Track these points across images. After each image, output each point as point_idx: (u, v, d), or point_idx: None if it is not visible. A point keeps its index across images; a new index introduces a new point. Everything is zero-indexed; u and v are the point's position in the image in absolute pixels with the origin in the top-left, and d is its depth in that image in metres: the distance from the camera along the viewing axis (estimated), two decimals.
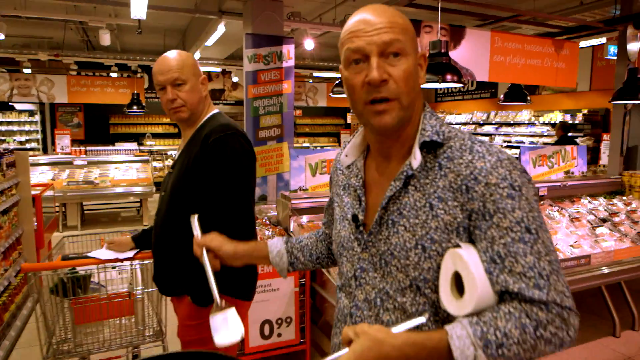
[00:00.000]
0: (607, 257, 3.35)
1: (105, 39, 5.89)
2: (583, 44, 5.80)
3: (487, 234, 0.84)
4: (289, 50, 5.46)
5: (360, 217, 1.01)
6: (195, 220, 1.19)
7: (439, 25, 3.58)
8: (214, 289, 1.10)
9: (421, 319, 0.86)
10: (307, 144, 13.19)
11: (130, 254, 1.92)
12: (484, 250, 0.84)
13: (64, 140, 8.99)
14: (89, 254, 1.91)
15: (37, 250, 4.23)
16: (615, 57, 6.54)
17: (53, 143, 10.19)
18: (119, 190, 7.19)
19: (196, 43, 8.37)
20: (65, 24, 7.59)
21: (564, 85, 4.65)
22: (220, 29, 6.21)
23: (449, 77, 3.05)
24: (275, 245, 1.24)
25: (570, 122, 10.17)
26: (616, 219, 4.05)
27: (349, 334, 0.79)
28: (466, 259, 0.83)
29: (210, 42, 7.38)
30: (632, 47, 5.07)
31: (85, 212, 7.85)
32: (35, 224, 4.24)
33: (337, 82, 4.83)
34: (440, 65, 3.22)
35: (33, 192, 4.29)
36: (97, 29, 6.31)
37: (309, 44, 6.31)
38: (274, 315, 2.65)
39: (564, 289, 0.83)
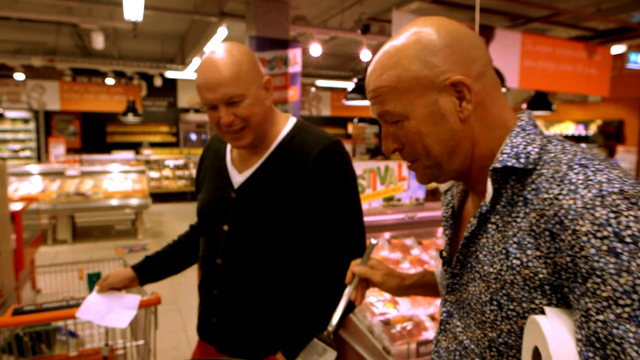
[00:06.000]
0: None
1: (98, 41, 5.53)
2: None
3: (580, 303, 0.60)
4: (295, 54, 5.11)
5: (445, 253, 0.88)
6: (372, 246, 1.02)
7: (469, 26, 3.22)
8: (336, 319, 0.97)
9: None
10: None
11: (133, 305, 1.43)
12: (579, 325, 0.60)
13: (57, 149, 8.62)
14: (77, 313, 1.37)
15: (17, 272, 3.83)
16: (638, 66, 6.21)
17: (47, 151, 9.83)
18: (112, 202, 6.80)
19: (195, 49, 8.03)
20: (58, 28, 7.25)
21: (595, 94, 4.28)
22: (222, 32, 5.86)
23: None
24: None
25: (583, 133, 9.84)
26: None
27: None
28: (546, 334, 0.62)
29: (209, 47, 7.03)
30: None
31: (76, 225, 7.45)
32: (15, 243, 3.84)
33: (351, 89, 4.46)
34: None
35: (13, 208, 3.90)
36: (90, 32, 5.97)
37: (315, 50, 5.95)
38: None
39: None
